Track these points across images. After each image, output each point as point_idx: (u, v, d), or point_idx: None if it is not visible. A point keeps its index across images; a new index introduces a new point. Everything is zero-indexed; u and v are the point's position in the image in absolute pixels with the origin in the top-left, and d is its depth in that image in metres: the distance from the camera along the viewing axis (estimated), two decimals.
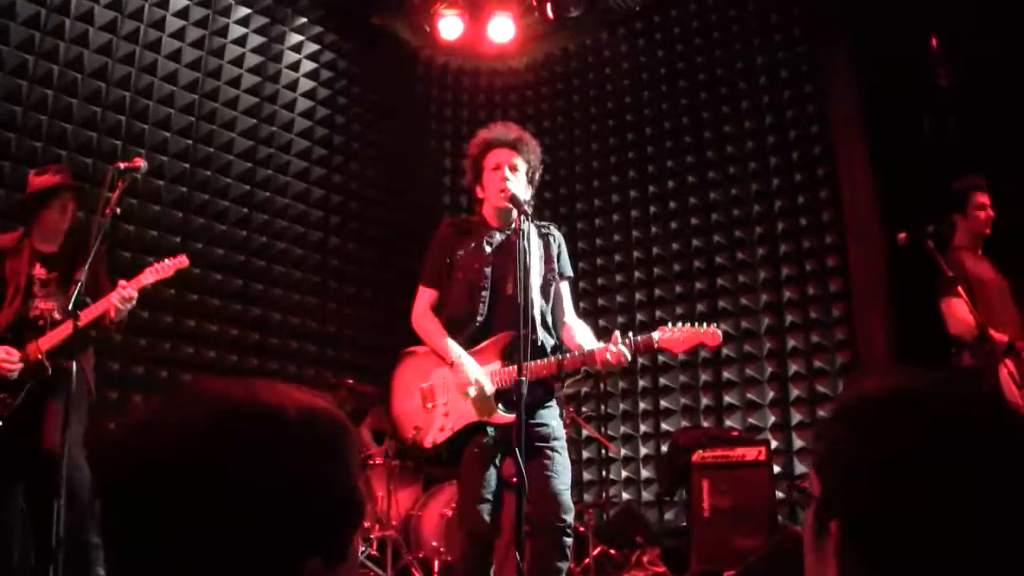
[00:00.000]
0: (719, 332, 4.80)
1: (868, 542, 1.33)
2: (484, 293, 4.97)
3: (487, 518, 4.79)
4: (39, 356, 5.57)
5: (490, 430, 4.85)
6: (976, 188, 6.79)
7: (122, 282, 5.65)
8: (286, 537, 1.28)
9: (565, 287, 5.28)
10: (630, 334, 4.77)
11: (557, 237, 5.28)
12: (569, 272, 5.31)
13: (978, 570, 1.27)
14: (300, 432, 1.31)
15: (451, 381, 4.93)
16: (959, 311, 6.35)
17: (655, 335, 4.74)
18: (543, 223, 5.24)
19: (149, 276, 5.80)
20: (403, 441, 5.23)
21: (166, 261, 5.89)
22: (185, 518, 1.22)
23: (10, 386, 5.57)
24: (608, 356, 4.66)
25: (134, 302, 5.70)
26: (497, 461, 4.89)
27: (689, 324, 4.79)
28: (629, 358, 4.73)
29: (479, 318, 4.97)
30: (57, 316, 5.75)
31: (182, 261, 5.94)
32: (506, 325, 4.87)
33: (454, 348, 4.92)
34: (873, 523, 1.32)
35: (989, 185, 6.91)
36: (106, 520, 1.29)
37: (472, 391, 4.80)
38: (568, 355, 4.82)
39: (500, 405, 4.84)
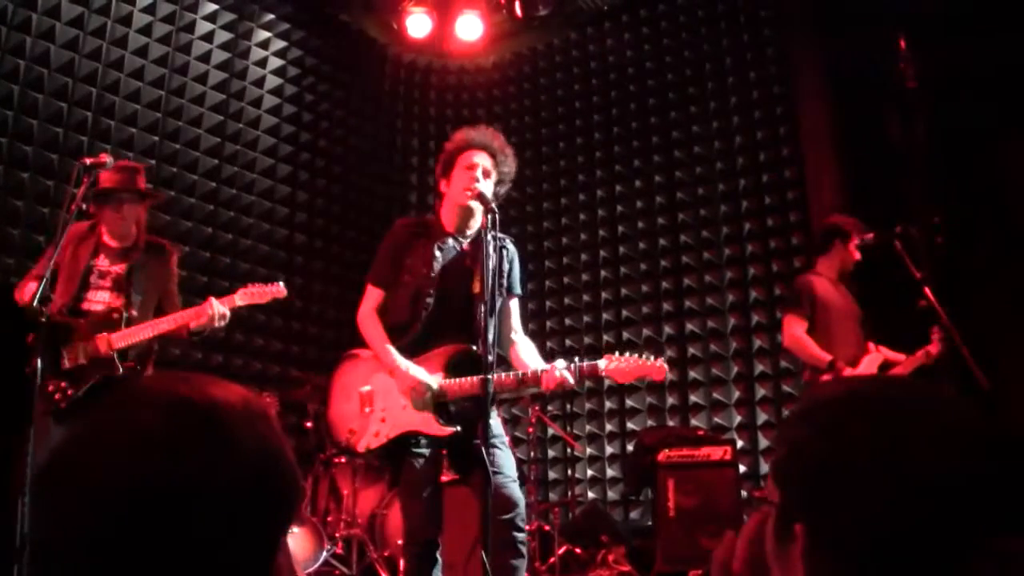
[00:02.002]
0: (665, 366, 4.81)
1: (833, 538, 1.36)
2: (428, 300, 4.95)
3: (426, 516, 4.80)
4: (111, 352, 5.52)
5: (423, 440, 4.86)
6: (858, 232, 7.16)
7: (213, 300, 5.64)
8: (265, 525, 1.31)
9: (515, 304, 5.26)
10: (576, 359, 4.79)
11: (511, 251, 5.25)
12: (519, 290, 5.28)
13: (938, 558, 1.31)
14: (250, 420, 1.32)
15: (391, 387, 4.92)
16: (797, 331, 6.89)
17: (601, 363, 4.77)
18: (499, 236, 5.11)
19: (242, 299, 5.78)
20: (336, 443, 5.22)
21: (260, 287, 5.87)
22: (160, 531, 1.20)
23: (75, 377, 5.52)
24: (551, 381, 4.71)
25: (227, 320, 5.70)
26: (433, 463, 4.91)
27: (637, 355, 4.81)
28: (573, 383, 4.77)
29: (419, 326, 4.96)
30: (135, 313, 5.68)
31: (280, 291, 5.91)
32: (446, 335, 4.90)
33: (396, 355, 4.90)
34: (837, 518, 1.35)
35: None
36: (60, 542, 1.26)
37: (430, 388, 4.81)
38: (515, 374, 4.83)
39: (439, 418, 4.84)
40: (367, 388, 5.02)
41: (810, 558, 1.39)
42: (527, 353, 5.09)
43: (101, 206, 5.79)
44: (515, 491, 4.78)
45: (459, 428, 4.81)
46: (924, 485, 1.30)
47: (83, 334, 5.57)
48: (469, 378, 4.74)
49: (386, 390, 4.94)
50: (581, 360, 4.79)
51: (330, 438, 5.30)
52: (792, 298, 7.20)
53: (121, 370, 5.50)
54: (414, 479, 4.83)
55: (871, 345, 6.97)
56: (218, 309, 5.58)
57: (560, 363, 4.74)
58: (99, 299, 5.72)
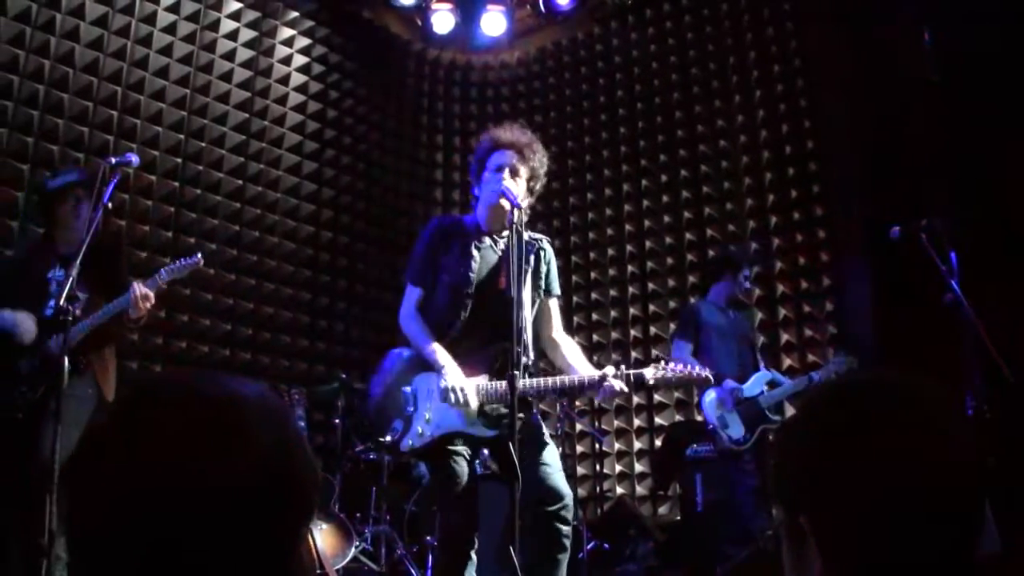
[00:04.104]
0: (711, 375, 4.95)
1: (830, 521, 1.42)
2: (467, 299, 4.92)
3: (463, 513, 4.77)
4: (64, 352, 5.55)
5: (462, 439, 4.82)
6: (754, 263, 7.91)
7: (136, 283, 5.64)
8: (283, 520, 1.32)
9: (553, 304, 5.23)
10: (622, 367, 4.76)
11: (548, 252, 5.20)
12: (557, 290, 5.23)
13: (929, 536, 1.36)
14: (266, 415, 1.33)
15: (435, 387, 4.85)
16: (684, 355, 7.40)
17: (647, 372, 4.81)
18: (535, 236, 5.15)
19: (163, 276, 5.79)
20: (380, 443, 5.18)
21: (180, 261, 5.88)
22: (177, 526, 1.21)
23: (30, 380, 5.54)
24: (604, 393, 4.73)
25: (151, 302, 5.69)
26: (471, 460, 4.88)
27: (682, 365, 4.88)
28: (626, 390, 4.78)
29: (460, 324, 4.91)
30: (79, 312, 5.70)
31: (197, 262, 5.92)
32: (488, 332, 4.85)
33: (442, 355, 4.85)
34: (831, 506, 1.42)
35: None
36: (92, 546, 1.26)
37: (464, 402, 4.76)
38: (563, 380, 4.84)
39: (482, 420, 4.81)
40: (410, 388, 4.96)
41: (820, 548, 1.44)
42: (572, 355, 5.05)
43: (55, 208, 5.87)
44: (560, 482, 4.74)
45: (501, 430, 4.76)
46: (899, 480, 1.35)
47: (38, 339, 5.62)
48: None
49: (430, 390, 4.88)
50: (617, 358, 4.79)
51: (373, 438, 5.26)
52: (680, 324, 7.88)
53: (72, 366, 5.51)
54: (451, 476, 4.77)
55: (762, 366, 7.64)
56: (139, 291, 5.59)
57: (610, 370, 4.71)
58: (52, 305, 5.75)
